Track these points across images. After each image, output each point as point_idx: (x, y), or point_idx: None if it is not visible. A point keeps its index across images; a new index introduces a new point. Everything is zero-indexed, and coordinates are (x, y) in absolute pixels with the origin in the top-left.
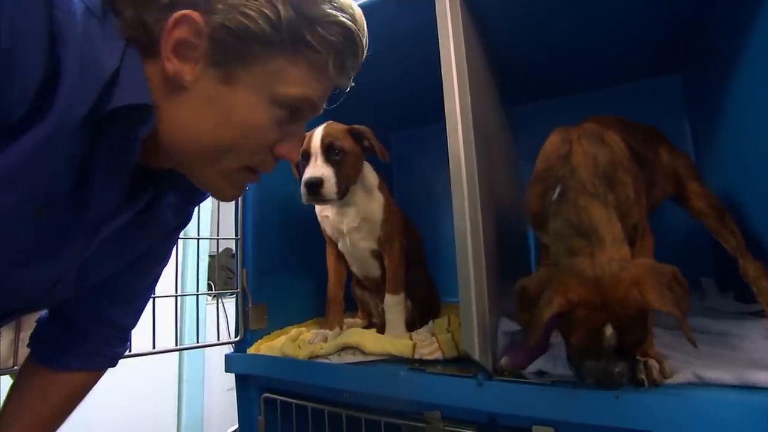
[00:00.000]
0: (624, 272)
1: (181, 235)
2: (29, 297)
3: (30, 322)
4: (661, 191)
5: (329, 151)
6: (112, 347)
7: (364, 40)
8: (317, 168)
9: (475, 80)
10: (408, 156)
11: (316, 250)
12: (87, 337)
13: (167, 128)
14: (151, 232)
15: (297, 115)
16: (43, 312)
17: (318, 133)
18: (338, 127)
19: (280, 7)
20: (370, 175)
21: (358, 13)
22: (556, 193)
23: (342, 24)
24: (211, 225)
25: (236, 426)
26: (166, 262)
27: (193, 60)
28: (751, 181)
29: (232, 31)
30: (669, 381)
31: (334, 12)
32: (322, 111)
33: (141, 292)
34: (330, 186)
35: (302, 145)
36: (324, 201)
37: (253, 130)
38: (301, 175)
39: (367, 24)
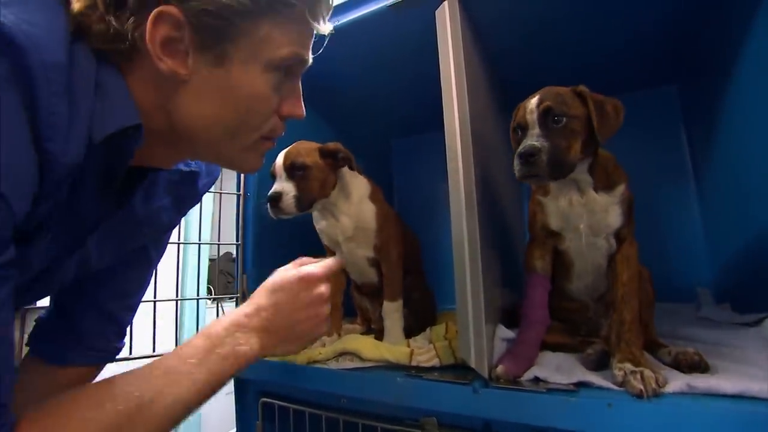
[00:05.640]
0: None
1: (183, 239)
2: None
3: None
4: None
5: (292, 169)
6: (110, 342)
7: None
8: (277, 185)
9: (474, 90)
10: (408, 163)
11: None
12: (85, 332)
13: (180, 123)
14: (146, 231)
15: (291, 72)
16: (42, 312)
17: (281, 155)
18: (304, 147)
19: None
20: (356, 185)
21: None
22: None
23: None
24: (211, 229)
25: (234, 430)
26: (161, 256)
27: (183, 52)
28: (747, 188)
29: (212, 13)
30: (661, 390)
31: None
32: (311, 61)
33: (137, 287)
34: (288, 200)
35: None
36: (284, 213)
37: (257, 100)
38: None
39: (369, 34)
